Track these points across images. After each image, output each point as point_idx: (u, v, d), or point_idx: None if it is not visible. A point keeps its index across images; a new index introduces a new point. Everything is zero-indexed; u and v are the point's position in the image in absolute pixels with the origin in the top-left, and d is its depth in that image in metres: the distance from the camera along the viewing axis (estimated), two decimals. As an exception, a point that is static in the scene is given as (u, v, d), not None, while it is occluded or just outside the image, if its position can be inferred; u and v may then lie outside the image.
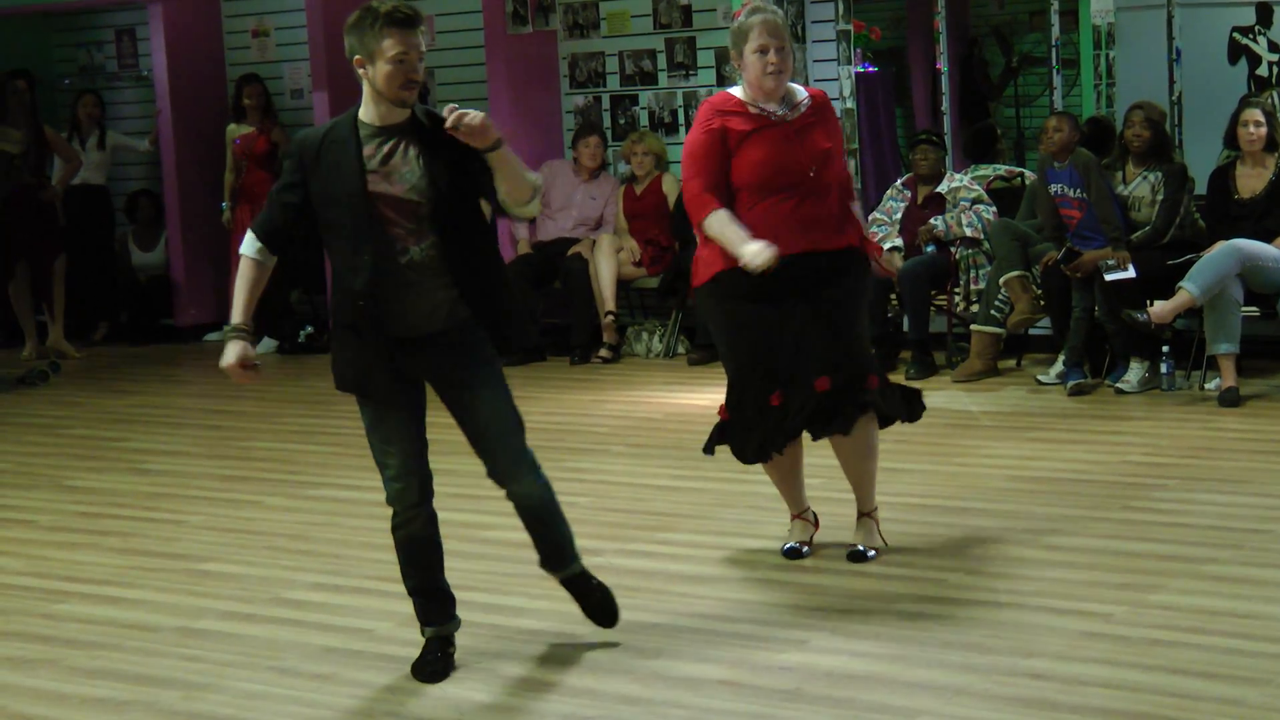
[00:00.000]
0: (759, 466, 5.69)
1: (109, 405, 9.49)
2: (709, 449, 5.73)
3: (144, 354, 11.35)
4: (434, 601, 4.72)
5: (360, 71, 4.42)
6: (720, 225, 5.31)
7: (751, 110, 5.40)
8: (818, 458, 7.22)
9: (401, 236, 4.41)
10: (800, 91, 5.48)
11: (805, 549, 5.67)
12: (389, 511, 6.44)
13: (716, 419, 5.67)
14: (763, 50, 5.33)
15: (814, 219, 5.37)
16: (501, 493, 4.78)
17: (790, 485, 5.74)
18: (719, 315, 5.48)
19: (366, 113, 4.45)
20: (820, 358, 5.39)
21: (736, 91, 5.45)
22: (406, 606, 5.28)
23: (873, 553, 5.60)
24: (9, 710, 4.60)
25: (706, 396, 7.62)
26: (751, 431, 5.52)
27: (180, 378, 10.53)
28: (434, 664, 4.64)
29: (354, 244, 4.40)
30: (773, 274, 5.20)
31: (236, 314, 4.51)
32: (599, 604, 4.88)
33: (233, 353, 4.49)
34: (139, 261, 12.04)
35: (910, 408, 5.75)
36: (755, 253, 5.18)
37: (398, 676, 4.68)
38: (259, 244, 4.51)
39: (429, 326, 4.48)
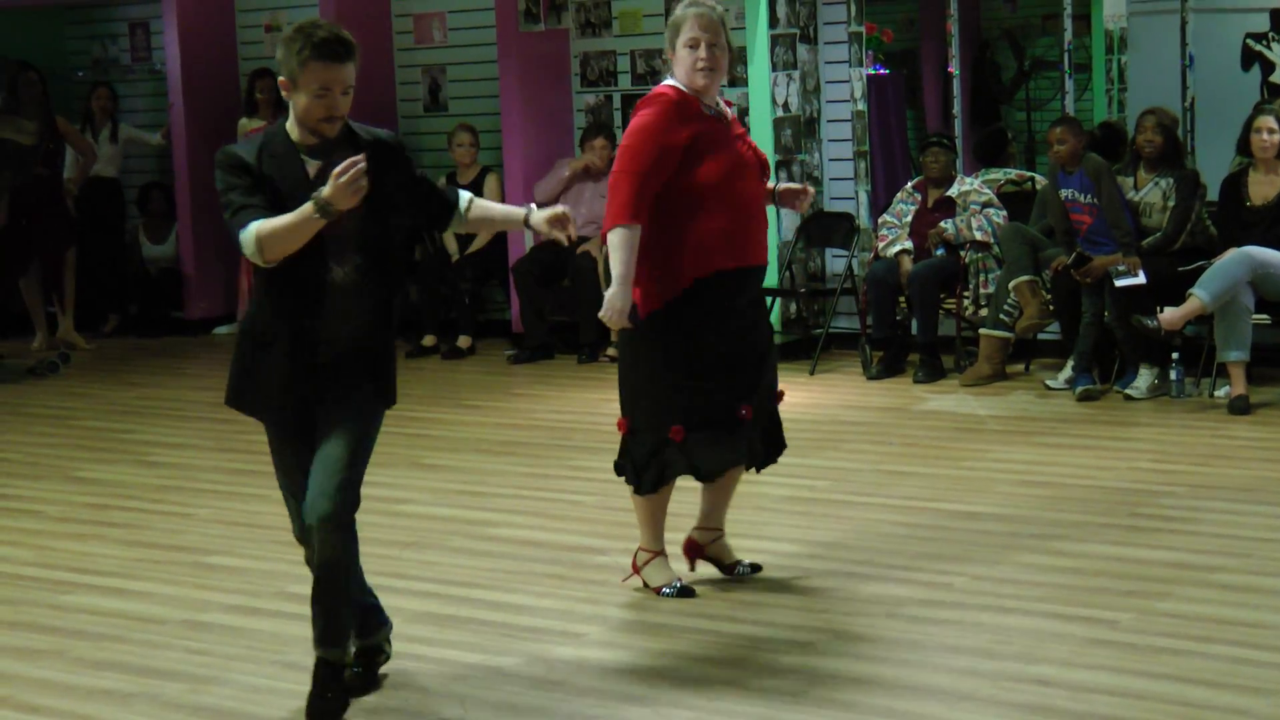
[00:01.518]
0: (664, 488, 5.31)
1: (118, 397, 9.50)
2: (655, 485, 5.23)
3: (153, 346, 11.36)
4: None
5: (284, 92, 4.24)
6: (629, 244, 4.97)
7: (704, 109, 5.08)
8: (817, 459, 7.22)
9: (330, 254, 4.24)
10: (717, 100, 5.16)
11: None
12: (394, 507, 6.43)
13: (648, 445, 5.21)
14: (693, 45, 5.01)
15: (755, 229, 5.17)
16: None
17: (662, 519, 5.35)
18: (685, 329, 5.07)
19: (294, 130, 4.26)
20: (771, 370, 5.29)
21: (675, 83, 5.09)
22: (410, 602, 5.30)
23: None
24: (16, 700, 4.61)
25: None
26: (714, 446, 5.20)
27: (189, 371, 10.53)
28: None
29: (291, 259, 4.18)
30: (722, 286, 5.04)
31: (303, 208, 4.09)
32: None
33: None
34: (149, 254, 12.06)
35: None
36: (611, 315, 5.01)
37: (405, 672, 4.68)
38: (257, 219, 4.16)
39: (339, 349, 4.30)
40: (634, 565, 5.40)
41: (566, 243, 4.62)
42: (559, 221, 4.52)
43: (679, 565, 5.45)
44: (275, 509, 6.70)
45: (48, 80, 11.33)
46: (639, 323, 5.09)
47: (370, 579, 5.64)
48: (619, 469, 5.37)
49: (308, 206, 4.08)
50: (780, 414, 5.43)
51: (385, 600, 5.36)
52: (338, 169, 4.05)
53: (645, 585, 5.35)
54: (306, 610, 5.29)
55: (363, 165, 4.05)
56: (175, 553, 6.11)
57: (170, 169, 12.00)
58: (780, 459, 5.51)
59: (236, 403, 4.48)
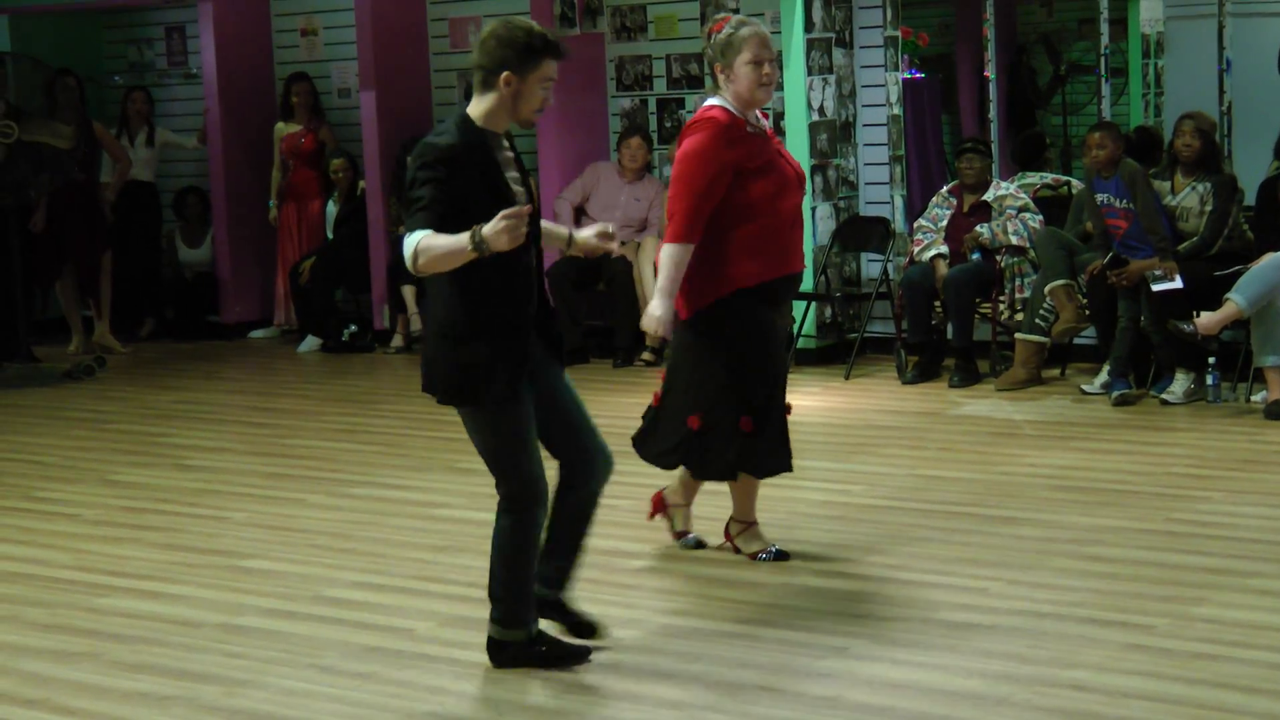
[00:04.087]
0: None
1: (154, 401, 9.55)
2: (733, 472, 5.63)
3: (189, 350, 11.41)
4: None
5: (506, 88, 4.43)
6: (679, 262, 5.38)
7: (748, 128, 5.47)
8: (852, 463, 7.21)
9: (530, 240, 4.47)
10: (757, 112, 5.58)
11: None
12: (429, 511, 6.46)
13: (732, 435, 5.54)
14: (758, 63, 5.38)
15: (799, 236, 5.57)
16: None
17: (756, 493, 5.77)
18: (753, 324, 5.48)
19: (485, 122, 4.47)
20: None
21: (725, 105, 5.46)
22: (447, 606, 5.31)
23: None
24: (52, 703, 4.64)
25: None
26: (777, 439, 5.58)
27: (224, 374, 10.58)
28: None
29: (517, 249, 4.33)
30: (774, 292, 5.48)
31: (461, 239, 4.22)
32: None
33: (493, 223, 4.21)
34: (186, 258, 12.11)
35: None
36: (653, 324, 5.42)
37: (438, 675, 4.69)
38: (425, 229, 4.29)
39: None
40: (726, 535, 5.80)
41: (615, 252, 4.86)
42: (604, 237, 4.76)
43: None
44: (310, 512, 6.75)
45: (85, 85, 11.41)
46: (690, 323, 5.50)
47: (405, 582, 5.69)
48: (671, 464, 5.75)
49: (465, 239, 4.22)
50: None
51: (421, 604, 5.38)
52: (506, 213, 4.22)
53: (738, 552, 5.73)
54: (343, 613, 5.32)
55: (526, 214, 4.25)
56: (211, 556, 6.13)
57: (206, 173, 12.06)
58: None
59: (501, 396, 4.52)
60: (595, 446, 4.72)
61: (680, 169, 5.45)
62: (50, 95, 10.58)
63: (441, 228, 4.28)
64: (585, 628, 4.83)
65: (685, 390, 5.61)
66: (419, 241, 4.26)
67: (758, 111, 5.56)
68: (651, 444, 5.79)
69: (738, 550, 5.76)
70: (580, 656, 4.71)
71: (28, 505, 7.09)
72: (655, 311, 5.45)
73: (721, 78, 5.44)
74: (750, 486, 5.73)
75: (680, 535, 5.93)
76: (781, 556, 5.70)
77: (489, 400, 4.49)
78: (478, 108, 4.48)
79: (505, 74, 4.42)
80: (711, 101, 5.48)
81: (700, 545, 5.88)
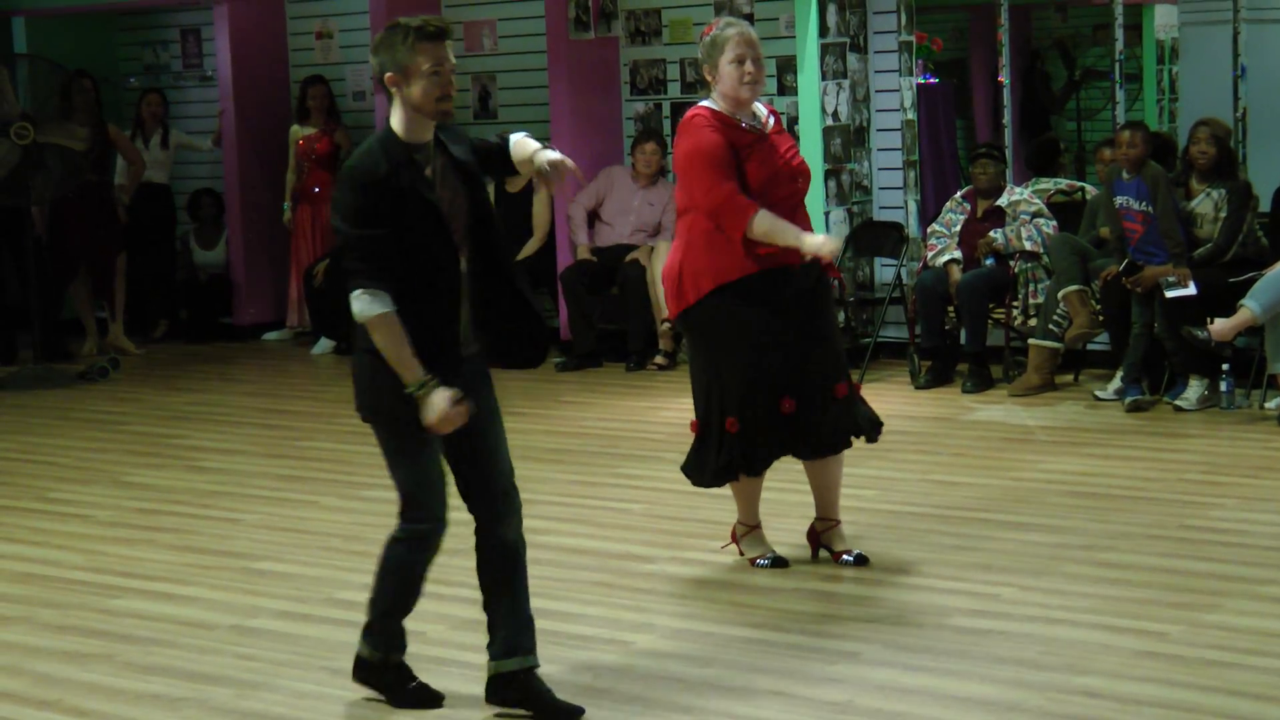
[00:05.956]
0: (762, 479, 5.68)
1: (167, 402, 9.57)
2: (726, 476, 5.60)
3: (203, 352, 11.43)
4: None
5: (393, 90, 4.29)
6: (770, 221, 5.38)
7: (738, 125, 5.49)
8: (866, 468, 7.20)
9: (459, 248, 4.33)
10: (761, 108, 5.60)
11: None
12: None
13: (715, 437, 5.53)
14: (739, 60, 5.43)
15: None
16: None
17: (757, 496, 5.73)
18: (726, 326, 5.45)
19: (402, 131, 4.31)
20: (834, 365, 5.56)
21: (711, 105, 5.52)
22: (459, 609, 5.31)
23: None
24: (65, 704, 4.65)
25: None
26: (760, 440, 5.51)
27: (238, 376, 10.60)
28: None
29: (437, 262, 4.26)
30: (773, 284, 5.41)
31: (414, 371, 4.19)
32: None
33: (441, 398, 4.18)
34: (200, 260, 12.14)
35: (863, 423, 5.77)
36: (822, 243, 5.38)
37: (449, 679, 4.69)
38: (379, 294, 4.19)
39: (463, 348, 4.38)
40: (733, 536, 5.79)
41: (562, 176, 4.63)
42: (557, 167, 4.59)
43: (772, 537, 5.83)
44: (323, 515, 6.76)
45: (100, 87, 11.44)
46: (686, 320, 5.52)
47: (417, 585, 5.68)
48: (687, 471, 5.72)
49: (409, 377, 4.16)
50: (857, 402, 5.66)
51: (432, 607, 5.38)
52: (450, 401, 4.15)
53: (741, 555, 5.74)
54: (355, 616, 5.32)
55: (465, 409, 4.18)
56: (224, 558, 6.14)
57: (221, 175, 12.08)
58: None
59: (400, 414, 4.34)
60: (496, 483, 4.44)
61: (687, 168, 5.47)
62: (66, 97, 10.60)
63: (385, 274, 4.17)
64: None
65: (695, 395, 5.65)
66: (375, 319, 4.18)
67: (763, 108, 5.59)
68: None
69: (741, 553, 5.76)
70: (429, 702, 4.52)
71: (41, 506, 7.11)
72: (826, 242, 5.40)
73: (710, 79, 5.53)
74: (749, 488, 5.67)
75: (839, 556, 5.76)
76: (780, 564, 5.68)
77: (392, 419, 4.30)
78: (395, 119, 4.32)
79: (388, 75, 4.29)
80: (701, 103, 5.58)
81: (780, 563, 5.71)
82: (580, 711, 4.42)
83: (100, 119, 10.97)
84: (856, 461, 7.34)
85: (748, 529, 5.76)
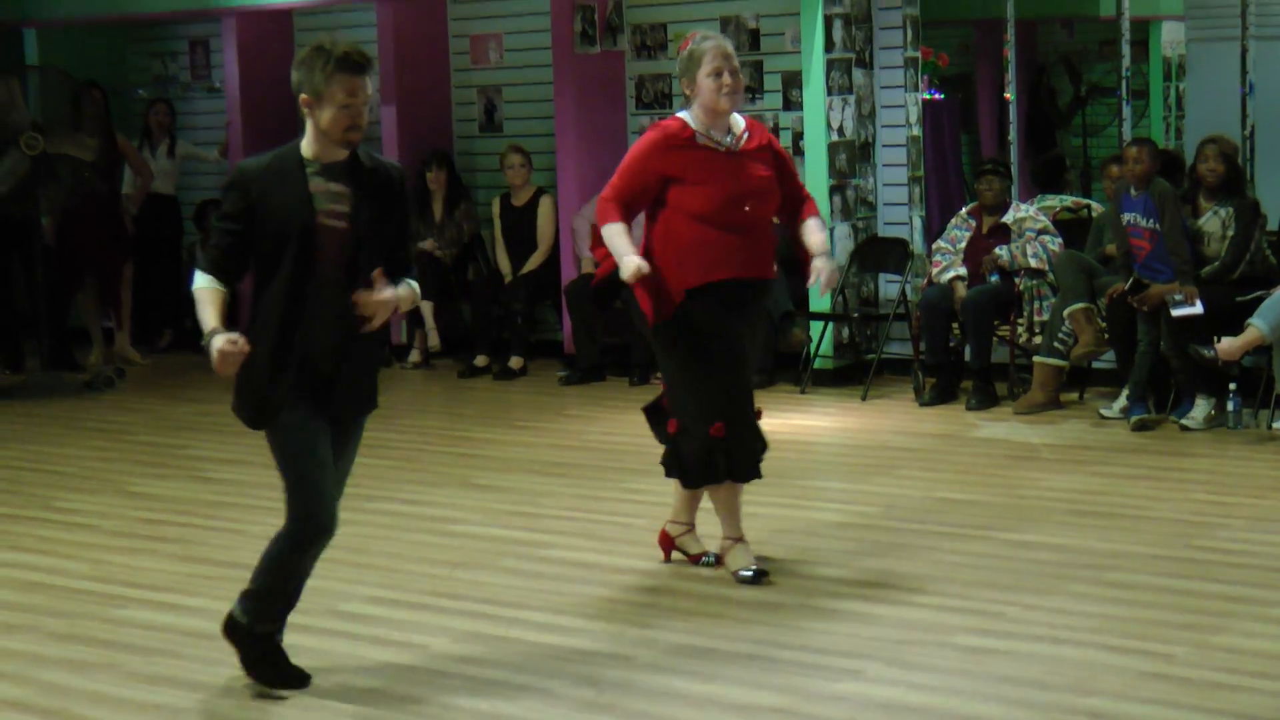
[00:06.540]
0: (731, 486, 5.80)
1: (172, 412, 9.57)
2: (702, 478, 5.72)
3: (207, 362, 11.38)
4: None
5: (305, 110, 4.43)
6: (617, 235, 5.59)
7: (700, 140, 5.61)
8: (869, 485, 7.19)
9: (333, 269, 4.46)
10: (739, 121, 5.70)
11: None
12: (445, 526, 6.46)
13: (697, 441, 5.66)
14: (717, 73, 5.57)
15: (752, 251, 5.63)
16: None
17: (700, 498, 5.88)
18: (701, 332, 5.59)
19: (309, 149, 4.48)
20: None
21: (686, 117, 5.65)
22: (462, 622, 5.31)
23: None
24: (69, 713, 4.65)
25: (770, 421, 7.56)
26: (745, 446, 5.67)
27: (242, 387, 10.59)
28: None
29: (297, 275, 4.44)
30: (732, 293, 5.56)
31: (206, 326, 4.46)
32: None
33: (215, 343, 4.40)
34: (205, 270, 12.13)
35: None
36: (635, 267, 5.50)
37: (452, 692, 4.69)
38: (210, 276, 4.51)
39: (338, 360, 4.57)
40: (664, 537, 5.95)
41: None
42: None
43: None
44: (327, 526, 6.74)
45: (109, 98, 11.45)
46: (657, 329, 5.65)
47: (420, 597, 5.70)
48: (667, 467, 5.82)
49: (207, 327, 4.45)
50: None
51: (435, 620, 5.38)
52: (224, 342, 4.37)
53: (684, 554, 5.91)
54: (357, 628, 5.33)
55: (238, 355, 4.39)
56: (228, 569, 6.13)
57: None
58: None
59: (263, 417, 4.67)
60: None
61: (623, 160, 5.69)
62: (76, 107, 10.62)
63: (224, 263, 4.47)
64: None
65: (672, 397, 5.79)
66: (195, 289, 4.51)
67: (742, 121, 5.68)
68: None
69: (681, 551, 5.92)
70: (293, 682, 4.71)
71: (47, 515, 7.11)
72: (629, 266, 5.55)
73: (688, 92, 5.64)
74: (698, 491, 5.83)
75: (698, 558, 5.94)
76: (720, 563, 5.81)
77: (263, 421, 4.58)
78: (305, 135, 4.48)
79: (302, 96, 4.41)
80: (677, 113, 5.70)
81: (720, 562, 5.87)
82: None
83: (110, 129, 10.98)
84: (859, 478, 7.35)
85: (685, 528, 5.91)
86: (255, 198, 4.44)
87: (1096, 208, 9.43)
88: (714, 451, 5.65)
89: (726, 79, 5.56)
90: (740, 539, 5.79)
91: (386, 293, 4.51)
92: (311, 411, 4.54)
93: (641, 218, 5.80)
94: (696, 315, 5.58)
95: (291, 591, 4.74)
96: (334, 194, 4.46)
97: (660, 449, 5.89)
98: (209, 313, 4.47)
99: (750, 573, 5.69)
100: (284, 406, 4.53)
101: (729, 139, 5.65)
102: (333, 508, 4.65)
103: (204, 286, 4.50)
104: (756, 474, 5.76)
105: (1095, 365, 8.93)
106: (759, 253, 5.67)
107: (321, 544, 4.68)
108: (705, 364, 5.61)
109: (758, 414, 5.80)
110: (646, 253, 5.64)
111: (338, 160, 4.49)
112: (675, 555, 5.98)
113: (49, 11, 12.28)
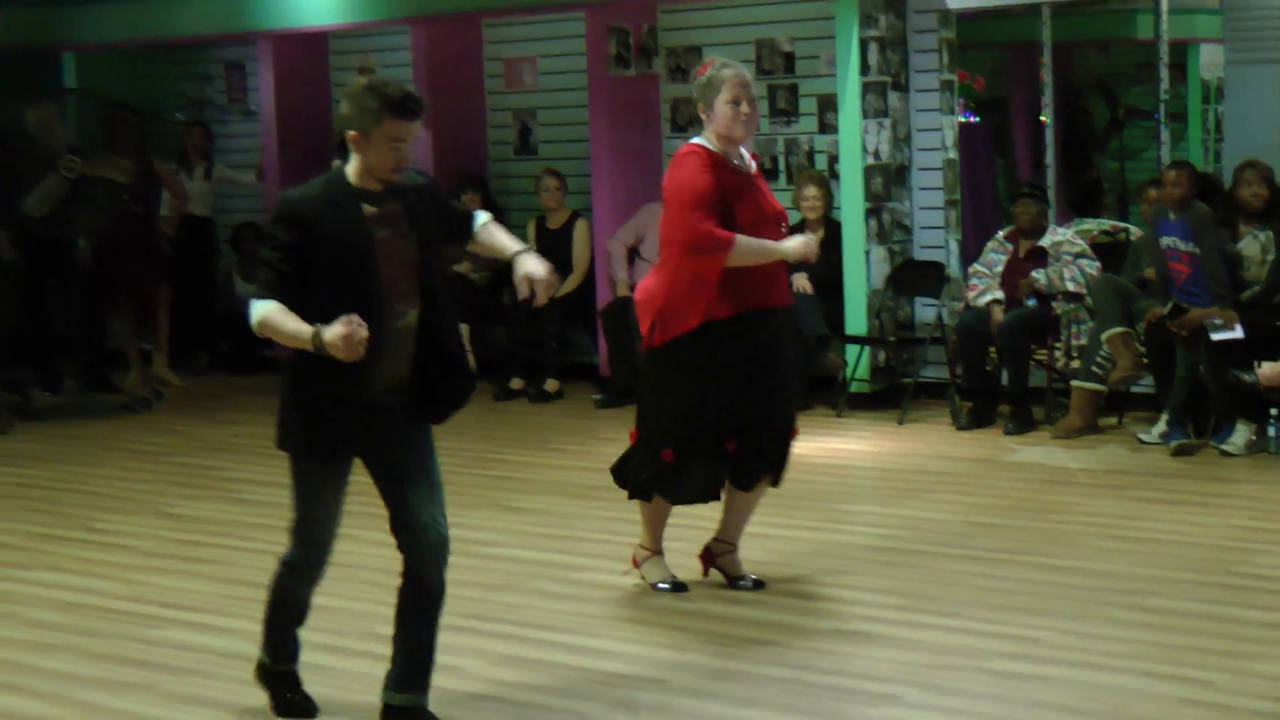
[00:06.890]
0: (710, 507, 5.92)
1: (209, 434, 9.61)
2: (645, 493, 5.86)
3: (245, 384, 11.48)
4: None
5: (352, 146, 4.40)
6: (748, 242, 5.55)
7: (729, 164, 5.67)
8: (904, 508, 7.16)
9: (398, 298, 4.43)
10: (743, 150, 5.76)
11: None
12: (480, 549, 6.45)
13: (648, 459, 5.78)
14: (735, 101, 5.61)
15: (778, 273, 5.72)
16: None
17: (664, 524, 5.96)
18: (697, 365, 5.63)
19: (355, 177, 4.44)
20: (788, 408, 5.80)
21: (704, 143, 5.69)
22: (497, 645, 5.30)
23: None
24: (104, 735, 4.66)
25: (805, 444, 7.54)
26: (699, 474, 5.74)
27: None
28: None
29: (359, 304, 4.33)
30: (747, 327, 5.57)
31: (304, 335, 4.29)
32: None
33: (332, 332, 4.23)
34: (242, 292, 12.18)
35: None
36: (800, 245, 5.57)
37: (487, 714, 4.68)
38: (271, 300, 4.35)
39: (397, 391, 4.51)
40: (634, 560, 6.00)
41: (537, 301, 4.90)
42: (531, 281, 4.74)
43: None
44: (362, 548, 6.74)
45: (145, 121, 11.53)
46: (662, 349, 5.68)
47: (454, 620, 5.66)
48: (615, 474, 5.98)
49: (307, 332, 4.27)
50: (791, 450, 5.88)
51: (470, 642, 5.38)
52: (346, 321, 4.20)
53: (643, 579, 5.94)
54: (391, 651, 5.32)
55: (365, 334, 4.21)
56: (263, 590, 6.11)
57: (263, 209, 12.14)
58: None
59: (299, 448, 4.61)
60: (424, 527, 4.57)
61: (676, 198, 5.63)
62: (111, 130, 10.70)
63: (285, 291, 4.32)
64: None
65: (640, 413, 5.86)
66: (262, 314, 4.33)
67: (745, 153, 5.75)
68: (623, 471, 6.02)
69: (642, 577, 5.94)
70: (301, 713, 4.76)
71: (84, 535, 7.14)
72: (799, 246, 5.59)
73: (704, 117, 5.69)
74: (659, 514, 5.89)
75: (735, 580, 5.96)
76: (679, 588, 5.86)
77: (289, 448, 4.55)
78: (350, 164, 4.45)
79: (350, 132, 4.38)
80: (693, 140, 5.72)
81: (680, 587, 5.92)
82: None
83: (145, 152, 11.06)
84: (894, 502, 7.32)
85: (650, 553, 5.94)
86: (309, 228, 4.37)
87: (1134, 231, 9.39)
88: (662, 474, 5.75)
89: (745, 108, 5.62)
90: (734, 547, 5.94)
91: (530, 264, 4.64)
92: (343, 452, 4.55)
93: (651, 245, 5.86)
94: (689, 354, 5.63)
95: (295, 619, 4.81)
96: (387, 216, 4.44)
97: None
98: (292, 322, 4.30)
99: (669, 582, 5.87)
100: (339, 441, 4.49)
101: (743, 163, 5.74)
102: (330, 548, 4.74)
103: (271, 308, 4.34)
104: (714, 497, 5.83)
105: (1133, 390, 8.88)
106: (779, 279, 5.75)
107: (317, 577, 4.76)
108: (681, 397, 5.68)
109: (793, 434, 5.83)
110: (672, 279, 5.65)
111: (378, 188, 4.48)
112: (712, 573, 6.00)
113: (87, 36, 12.39)
